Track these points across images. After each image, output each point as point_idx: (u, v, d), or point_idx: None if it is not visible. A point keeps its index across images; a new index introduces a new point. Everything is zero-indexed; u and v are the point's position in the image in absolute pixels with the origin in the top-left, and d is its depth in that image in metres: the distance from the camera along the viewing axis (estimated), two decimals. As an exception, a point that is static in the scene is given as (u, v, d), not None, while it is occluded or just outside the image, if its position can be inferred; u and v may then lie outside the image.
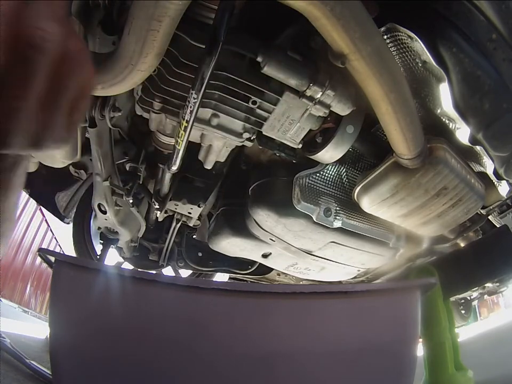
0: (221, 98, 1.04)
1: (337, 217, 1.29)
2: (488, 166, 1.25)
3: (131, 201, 1.47)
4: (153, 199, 1.43)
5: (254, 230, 1.36)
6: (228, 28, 0.83)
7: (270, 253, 1.47)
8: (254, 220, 1.31)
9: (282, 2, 0.76)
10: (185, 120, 0.93)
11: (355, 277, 1.79)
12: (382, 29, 0.95)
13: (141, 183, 1.50)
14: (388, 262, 1.65)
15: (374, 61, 0.83)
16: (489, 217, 1.69)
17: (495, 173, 1.23)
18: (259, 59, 0.94)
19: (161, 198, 1.41)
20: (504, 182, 1.36)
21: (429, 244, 1.74)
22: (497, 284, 2.71)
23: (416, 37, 0.93)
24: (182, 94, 1.02)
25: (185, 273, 2.05)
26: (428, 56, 0.96)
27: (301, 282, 2.00)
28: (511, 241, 1.47)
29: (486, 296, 3.04)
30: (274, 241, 1.38)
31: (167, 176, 1.31)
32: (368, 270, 1.77)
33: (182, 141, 1.04)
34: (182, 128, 0.96)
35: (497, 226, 1.84)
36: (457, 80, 0.97)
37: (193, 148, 1.22)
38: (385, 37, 0.96)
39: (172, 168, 1.14)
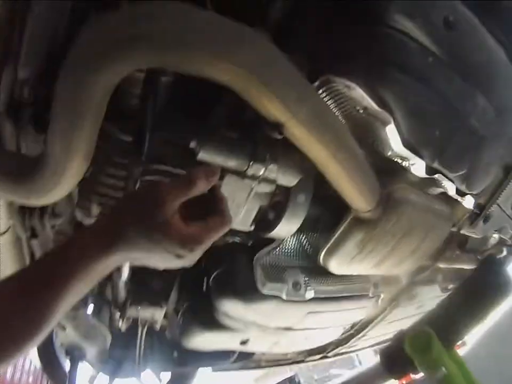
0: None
1: (308, 288, 1.20)
2: (449, 187, 1.21)
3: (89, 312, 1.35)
4: (112, 307, 1.32)
5: (224, 321, 1.25)
6: (154, 114, 0.77)
7: (248, 339, 1.36)
8: (223, 312, 1.21)
9: (207, 78, 0.69)
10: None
11: (343, 333, 1.70)
12: (316, 83, 0.86)
13: (96, 293, 1.39)
14: (372, 309, 1.58)
15: (314, 122, 0.76)
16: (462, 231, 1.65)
17: (458, 192, 1.17)
18: (192, 146, 0.86)
19: (120, 304, 1.30)
20: (468, 196, 1.32)
21: (409, 278, 1.68)
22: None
23: (353, 85, 0.85)
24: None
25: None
26: (368, 101, 0.87)
27: (288, 355, 1.87)
28: (494, 273, 1.42)
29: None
30: (248, 327, 1.27)
31: (121, 283, 1.20)
32: (354, 323, 1.69)
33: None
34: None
35: (471, 236, 1.80)
36: (404, 117, 0.89)
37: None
38: (320, 91, 0.87)
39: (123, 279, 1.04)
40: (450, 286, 2.10)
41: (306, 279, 1.20)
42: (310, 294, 1.20)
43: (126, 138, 1.02)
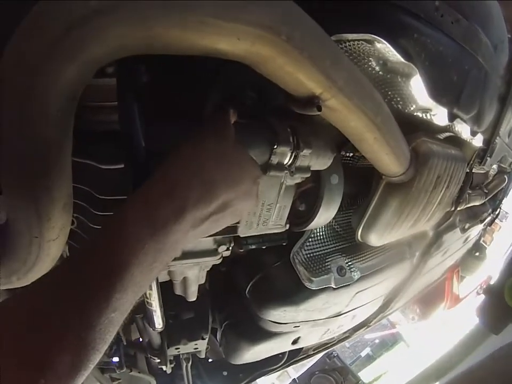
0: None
1: (352, 269, 1.12)
2: (463, 130, 1.16)
3: (124, 370, 1.22)
4: (149, 355, 1.19)
5: (273, 329, 1.16)
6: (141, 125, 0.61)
7: (299, 337, 1.27)
8: (270, 320, 1.11)
9: (211, 54, 0.51)
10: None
11: (384, 299, 1.64)
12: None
13: (125, 343, 1.26)
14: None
15: (352, 88, 0.63)
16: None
17: (471, 132, 1.15)
18: None
19: (157, 350, 1.17)
20: (477, 135, 1.27)
21: (435, 228, 1.62)
22: (493, 213, 2.64)
23: (377, 38, 0.75)
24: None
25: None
26: (389, 55, 0.79)
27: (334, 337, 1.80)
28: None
29: (487, 228, 2.97)
30: (299, 326, 1.18)
31: (155, 332, 1.08)
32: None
33: (153, 300, 0.83)
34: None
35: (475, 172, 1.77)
36: (426, 67, 0.82)
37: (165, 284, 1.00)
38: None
39: (157, 328, 0.92)
40: (467, 226, 2.08)
41: (348, 260, 1.11)
42: (356, 274, 1.12)
43: (112, 166, 0.88)
